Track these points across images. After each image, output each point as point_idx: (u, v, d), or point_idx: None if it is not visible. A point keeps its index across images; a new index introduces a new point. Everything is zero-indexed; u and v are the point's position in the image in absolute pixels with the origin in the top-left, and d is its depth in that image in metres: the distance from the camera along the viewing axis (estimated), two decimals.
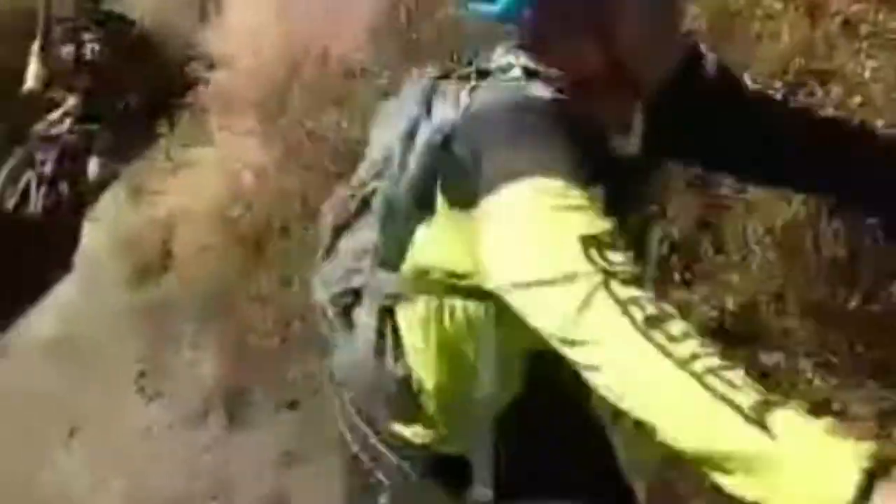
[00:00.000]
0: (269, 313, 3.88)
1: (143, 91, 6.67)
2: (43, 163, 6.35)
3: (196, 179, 5.00)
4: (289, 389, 3.72)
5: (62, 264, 5.42)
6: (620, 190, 1.51)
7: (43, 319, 5.03)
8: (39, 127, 6.43)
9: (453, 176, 1.52)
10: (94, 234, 5.26)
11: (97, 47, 6.54)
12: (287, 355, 3.70)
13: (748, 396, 1.18)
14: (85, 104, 6.48)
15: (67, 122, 6.44)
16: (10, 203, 6.18)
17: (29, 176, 6.30)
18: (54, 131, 6.43)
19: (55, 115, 6.44)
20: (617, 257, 1.30)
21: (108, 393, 4.30)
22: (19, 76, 6.43)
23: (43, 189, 6.29)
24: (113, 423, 4.18)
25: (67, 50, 6.43)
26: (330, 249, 1.85)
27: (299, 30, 5.63)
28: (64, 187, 6.33)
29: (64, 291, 5.07)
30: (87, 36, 6.55)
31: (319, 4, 5.58)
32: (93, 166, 6.40)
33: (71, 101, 6.46)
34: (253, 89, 5.52)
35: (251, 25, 5.78)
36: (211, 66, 6.03)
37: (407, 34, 4.58)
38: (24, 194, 6.26)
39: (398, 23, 4.74)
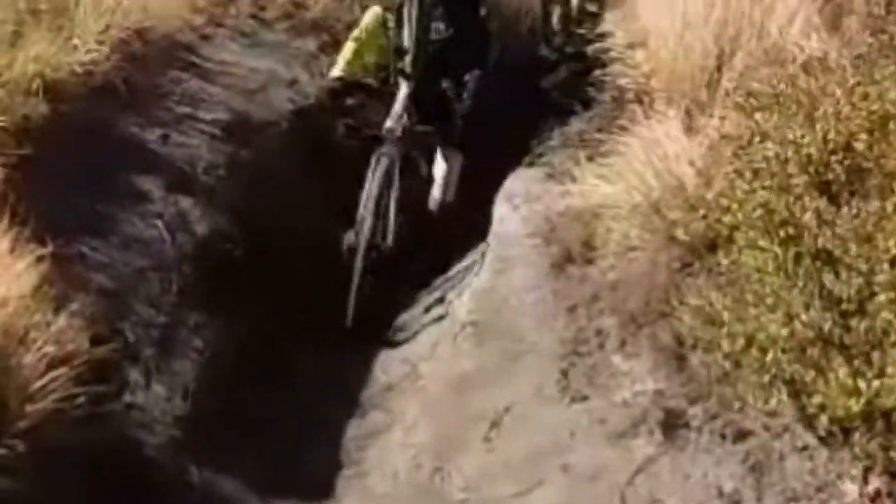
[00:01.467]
0: (712, 332, 3.59)
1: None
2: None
3: (619, 170, 4.77)
4: (737, 419, 3.44)
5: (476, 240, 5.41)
6: None
7: (460, 301, 5.01)
8: (388, 124, 5.66)
9: None
10: (509, 217, 5.17)
11: (442, 25, 5.82)
12: (739, 379, 3.40)
13: None
14: (418, 91, 5.68)
15: (406, 116, 5.66)
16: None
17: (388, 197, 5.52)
18: (399, 127, 5.65)
19: (396, 107, 5.67)
20: None
21: (528, 387, 4.18)
22: None
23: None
24: (533, 421, 4.06)
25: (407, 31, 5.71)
26: None
27: (731, 9, 5.24)
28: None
29: (480, 275, 5.02)
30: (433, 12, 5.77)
31: None
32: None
33: (404, 89, 5.69)
34: (678, 73, 5.20)
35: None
36: (629, 46, 5.79)
37: (880, 24, 4.06)
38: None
39: (868, 9, 4.22)
